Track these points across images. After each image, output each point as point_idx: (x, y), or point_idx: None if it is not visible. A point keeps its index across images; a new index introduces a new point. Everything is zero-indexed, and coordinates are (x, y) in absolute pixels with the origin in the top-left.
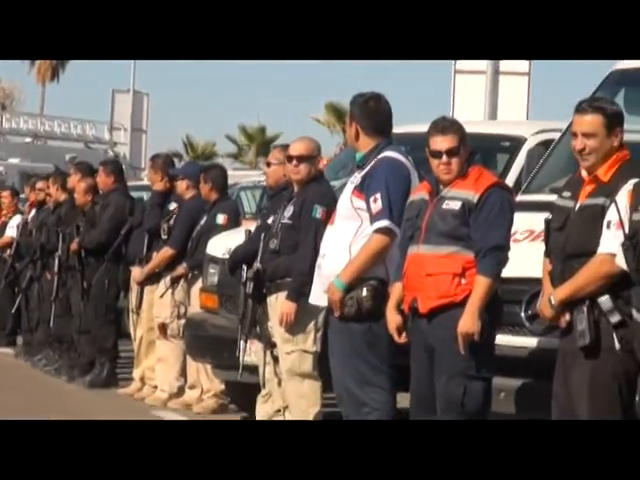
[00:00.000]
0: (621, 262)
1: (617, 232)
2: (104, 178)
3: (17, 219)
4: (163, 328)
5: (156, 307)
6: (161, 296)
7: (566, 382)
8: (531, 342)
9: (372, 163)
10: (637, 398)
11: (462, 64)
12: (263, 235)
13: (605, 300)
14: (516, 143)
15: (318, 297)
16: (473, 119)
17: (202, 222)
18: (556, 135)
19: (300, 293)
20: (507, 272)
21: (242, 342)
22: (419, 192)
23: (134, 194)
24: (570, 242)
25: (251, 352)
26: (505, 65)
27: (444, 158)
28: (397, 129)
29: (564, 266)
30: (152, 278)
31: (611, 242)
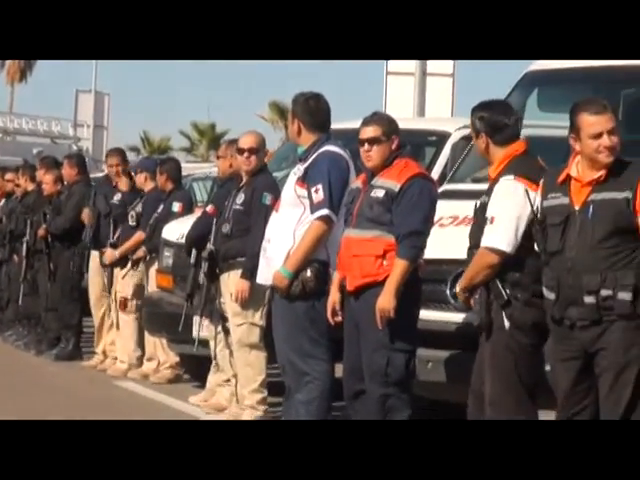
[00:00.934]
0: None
1: (491, 226)
2: (69, 170)
3: None
4: (124, 303)
5: (119, 285)
6: (123, 277)
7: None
8: (456, 317)
9: (314, 156)
10: (547, 367)
11: (393, 66)
12: (215, 220)
13: (493, 285)
14: (441, 138)
15: (264, 277)
16: (403, 116)
17: (159, 210)
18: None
19: (253, 272)
20: (434, 254)
21: (197, 318)
22: (356, 182)
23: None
24: (470, 235)
25: (203, 327)
26: (432, 67)
27: (366, 146)
28: (335, 125)
29: (469, 254)
30: (121, 260)
31: (487, 236)
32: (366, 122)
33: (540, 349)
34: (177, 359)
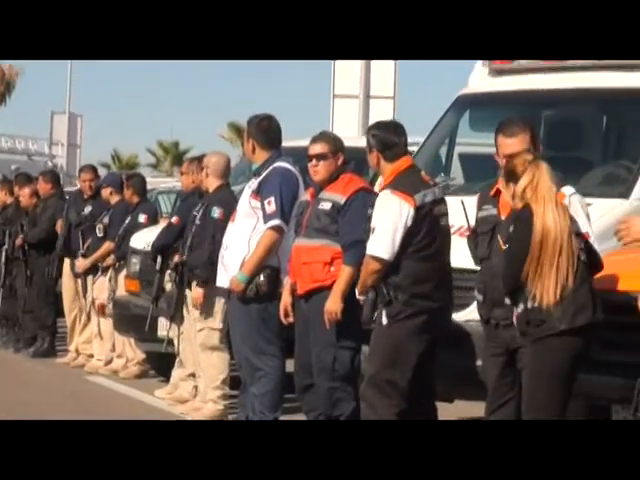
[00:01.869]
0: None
1: (372, 236)
2: (44, 185)
3: None
4: (102, 308)
5: (96, 291)
6: (94, 282)
7: None
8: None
9: (267, 172)
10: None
11: (339, 89)
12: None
13: (379, 287)
14: None
15: (223, 281)
16: (348, 135)
17: (127, 221)
18: (414, 148)
19: (205, 282)
20: None
21: (166, 320)
22: (304, 195)
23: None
24: None
25: (169, 328)
26: (374, 90)
27: (314, 162)
28: (286, 143)
29: None
30: (92, 268)
31: (369, 245)
32: (314, 140)
33: (416, 344)
34: (144, 356)
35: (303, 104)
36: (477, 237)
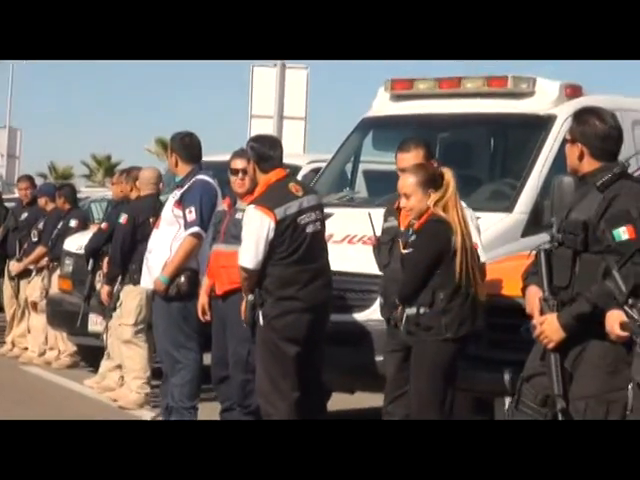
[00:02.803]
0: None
1: (240, 247)
2: None
3: None
4: (35, 305)
5: (29, 290)
6: (29, 282)
7: None
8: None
9: (189, 183)
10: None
11: (256, 110)
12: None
13: (255, 291)
14: (294, 170)
15: (146, 282)
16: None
17: (59, 226)
18: (322, 164)
19: (112, 280)
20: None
21: (94, 315)
22: (223, 205)
23: (8, 205)
24: None
25: (98, 323)
26: (287, 111)
27: (240, 175)
28: (206, 158)
29: None
30: (25, 271)
31: (238, 255)
32: (238, 154)
33: (285, 341)
34: (75, 349)
35: (222, 122)
36: (381, 246)
